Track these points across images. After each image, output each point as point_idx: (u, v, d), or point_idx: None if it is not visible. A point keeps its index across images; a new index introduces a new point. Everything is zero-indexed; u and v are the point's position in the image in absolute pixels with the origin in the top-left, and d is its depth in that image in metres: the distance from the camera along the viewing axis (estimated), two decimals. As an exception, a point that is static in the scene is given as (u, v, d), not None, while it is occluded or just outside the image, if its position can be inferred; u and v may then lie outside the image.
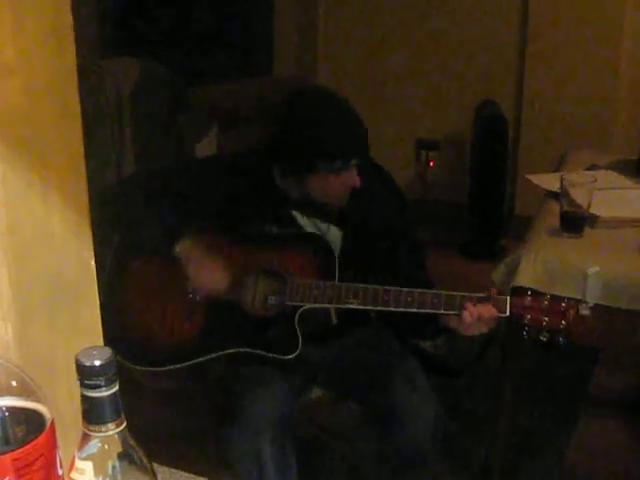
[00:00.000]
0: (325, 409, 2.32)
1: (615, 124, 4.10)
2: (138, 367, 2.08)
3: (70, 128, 0.94)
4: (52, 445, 0.80)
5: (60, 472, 0.81)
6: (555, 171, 2.66)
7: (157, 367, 2.11)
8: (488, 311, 1.95)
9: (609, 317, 2.01)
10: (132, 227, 2.19)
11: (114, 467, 0.76)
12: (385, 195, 2.29)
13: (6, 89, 0.85)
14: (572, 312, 1.92)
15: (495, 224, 4.26)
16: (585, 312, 1.91)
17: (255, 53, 4.82)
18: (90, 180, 0.97)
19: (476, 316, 1.94)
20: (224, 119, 4.13)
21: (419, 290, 2.00)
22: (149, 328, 2.12)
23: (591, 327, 1.92)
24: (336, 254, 2.12)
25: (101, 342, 1.01)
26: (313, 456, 2.48)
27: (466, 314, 1.94)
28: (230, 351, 2.07)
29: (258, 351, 2.06)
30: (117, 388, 0.74)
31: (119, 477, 0.76)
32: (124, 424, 0.76)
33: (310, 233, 2.17)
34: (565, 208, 2.22)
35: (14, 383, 0.81)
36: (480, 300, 1.96)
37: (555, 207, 2.30)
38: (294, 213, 2.17)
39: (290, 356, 2.05)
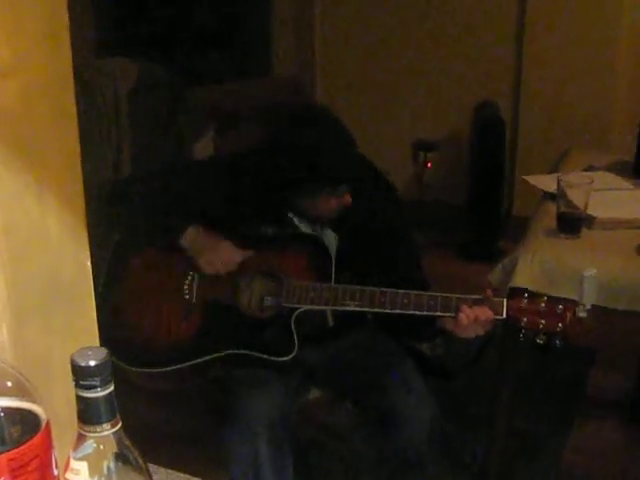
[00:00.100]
0: (322, 410, 2.32)
1: (613, 125, 4.10)
2: (134, 368, 2.08)
3: (66, 129, 0.94)
4: (47, 445, 0.81)
5: (55, 472, 0.82)
6: (552, 172, 2.66)
7: (153, 368, 2.11)
8: (484, 313, 1.95)
9: (606, 318, 2.02)
10: (129, 228, 2.19)
11: (109, 467, 0.76)
12: (381, 197, 2.29)
13: (2, 90, 0.85)
14: (569, 315, 1.92)
15: (493, 225, 4.26)
16: (582, 315, 1.91)
17: (253, 54, 4.82)
18: (87, 181, 0.98)
19: (472, 318, 1.94)
20: (222, 120, 4.12)
21: (415, 292, 2.00)
22: (145, 329, 2.13)
23: (588, 328, 1.92)
24: (332, 256, 2.12)
25: (97, 343, 1.01)
26: (310, 457, 2.48)
27: (462, 316, 1.94)
28: (226, 352, 2.07)
29: (254, 353, 2.06)
30: (112, 388, 0.74)
31: (114, 477, 0.76)
32: (119, 424, 0.76)
33: (306, 234, 2.17)
34: (562, 209, 2.22)
35: (9, 384, 0.81)
36: (476, 302, 1.96)
37: (552, 208, 2.30)
38: (290, 215, 2.17)
39: (286, 358, 2.05)
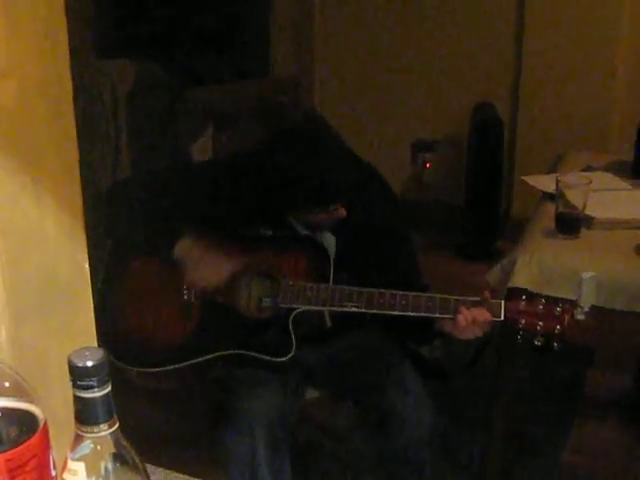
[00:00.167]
0: (320, 411, 2.32)
1: (611, 126, 4.10)
2: (133, 368, 2.09)
3: (64, 131, 0.94)
4: (45, 446, 0.81)
5: (53, 473, 0.82)
6: (551, 172, 2.67)
7: (152, 368, 2.11)
8: (482, 315, 1.95)
9: (604, 318, 2.02)
10: (128, 229, 2.19)
11: (107, 468, 0.76)
12: (379, 198, 2.29)
13: (-1, 92, 0.85)
14: (567, 317, 1.92)
15: (491, 225, 4.26)
16: (580, 317, 1.91)
17: (252, 54, 4.82)
18: (86, 182, 0.98)
19: (470, 320, 1.94)
20: (221, 120, 4.12)
21: (413, 294, 2.00)
22: (144, 329, 2.13)
23: (586, 328, 1.92)
24: (331, 257, 2.12)
25: (95, 343, 1.01)
26: (308, 458, 2.48)
27: (460, 318, 1.94)
28: (224, 353, 2.07)
29: (252, 353, 2.06)
30: (109, 389, 0.74)
31: (112, 478, 0.76)
32: (117, 425, 0.76)
33: (305, 235, 2.17)
34: (560, 209, 2.23)
35: (7, 384, 0.81)
36: (474, 304, 1.97)
37: (551, 208, 2.30)
38: (289, 216, 2.17)
39: (283, 358, 2.05)
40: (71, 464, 0.76)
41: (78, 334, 1.00)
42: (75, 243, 0.98)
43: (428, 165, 4.65)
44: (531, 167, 3.47)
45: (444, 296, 1.99)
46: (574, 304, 1.92)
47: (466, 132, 4.28)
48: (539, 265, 2.13)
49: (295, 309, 2.06)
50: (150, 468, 0.91)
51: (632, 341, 2.75)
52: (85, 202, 0.98)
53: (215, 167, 2.42)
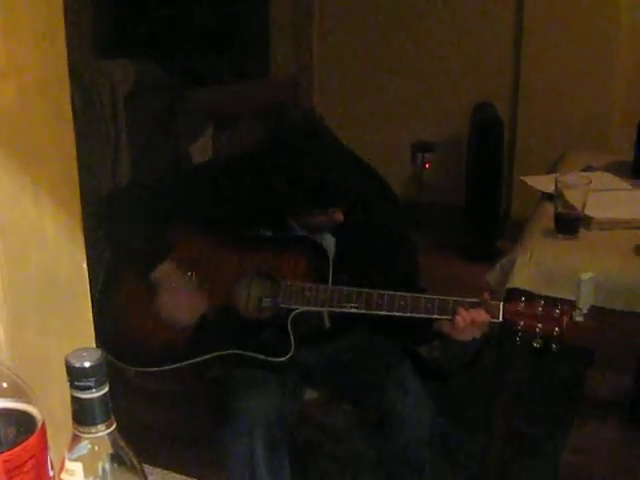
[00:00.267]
0: (319, 411, 2.32)
1: (611, 126, 4.10)
2: (131, 368, 2.09)
3: (62, 131, 0.94)
4: (43, 446, 0.81)
5: (51, 473, 0.82)
6: (551, 173, 2.67)
7: (150, 367, 2.11)
8: (481, 316, 1.95)
9: (604, 319, 2.01)
10: (127, 232, 2.19)
11: (104, 468, 0.76)
12: (379, 198, 2.29)
13: (-2, 92, 0.85)
14: (566, 319, 1.92)
15: (491, 226, 4.26)
16: (579, 319, 1.90)
17: (252, 55, 4.82)
18: (84, 183, 0.98)
19: (469, 321, 1.94)
20: (221, 121, 4.13)
21: (412, 295, 2.00)
22: (143, 329, 2.13)
23: (585, 329, 1.92)
24: (330, 258, 2.12)
25: (93, 344, 1.01)
26: (307, 458, 2.48)
27: (459, 319, 1.94)
28: (223, 353, 2.07)
29: (251, 353, 2.06)
30: (107, 389, 0.74)
31: (109, 478, 0.76)
32: (114, 425, 0.76)
33: (304, 236, 2.17)
34: (560, 210, 2.22)
35: (5, 385, 0.81)
36: (473, 305, 1.97)
37: (550, 209, 2.30)
38: (288, 217, 2.17)
39: (282, 359, 2.05)
40: (69, 464, 0.76)
41: (77, 334, 1.00)
42: (74, 243, 0.97)
43: (428, 165, 4.65)
44: (531, 167, 3.47)
45: (443, 297, 1.99)
46: (573, 306, 1.92)
47: (466, 132, 4.28)
48: (538, 265, 2.13)
49: (294, 309, 2.06)
50: (148, 468, 0.91)
51: (632, 341, 2.75)
52: (84, 202, 0.98)
53: (215, 168, 2.42)
